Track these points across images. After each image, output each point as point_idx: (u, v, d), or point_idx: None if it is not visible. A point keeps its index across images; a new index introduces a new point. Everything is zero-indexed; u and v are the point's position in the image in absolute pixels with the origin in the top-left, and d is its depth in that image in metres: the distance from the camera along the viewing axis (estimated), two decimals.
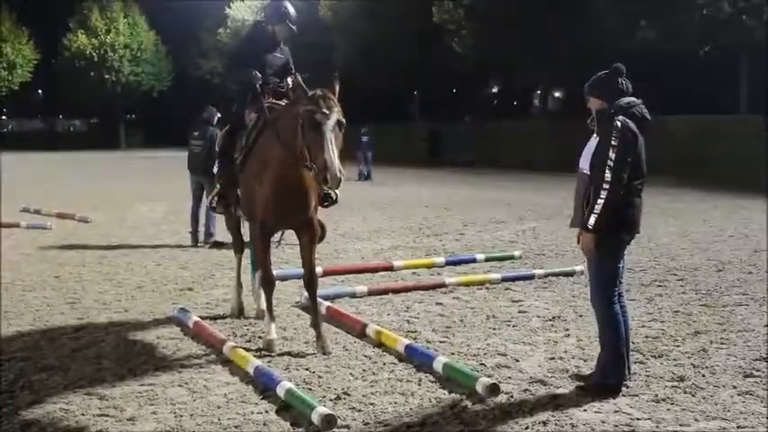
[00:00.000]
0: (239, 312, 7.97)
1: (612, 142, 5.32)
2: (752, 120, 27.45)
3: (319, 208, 7.16)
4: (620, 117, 5.40)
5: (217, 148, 8.06)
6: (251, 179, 6.92)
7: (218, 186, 7.61)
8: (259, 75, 7.35)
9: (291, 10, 7.58)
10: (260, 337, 7.07)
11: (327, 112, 6.02)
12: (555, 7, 31.33)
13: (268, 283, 7.04)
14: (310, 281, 6.97)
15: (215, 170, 8.09)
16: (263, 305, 7.23)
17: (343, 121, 6.15)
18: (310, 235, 6.98)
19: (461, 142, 41.61)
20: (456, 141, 42.39)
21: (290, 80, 7.50)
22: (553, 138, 32.97)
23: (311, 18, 46.96)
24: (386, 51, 42.32)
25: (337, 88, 6.29)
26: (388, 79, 44.82)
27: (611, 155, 5.30)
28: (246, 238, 8.25)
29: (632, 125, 5.41)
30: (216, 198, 7.75)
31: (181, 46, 68.20)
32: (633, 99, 5.56)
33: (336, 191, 6.91)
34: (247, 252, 8.44)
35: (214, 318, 7.90)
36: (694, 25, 27.77)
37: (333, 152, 5.90)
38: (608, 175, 5.30)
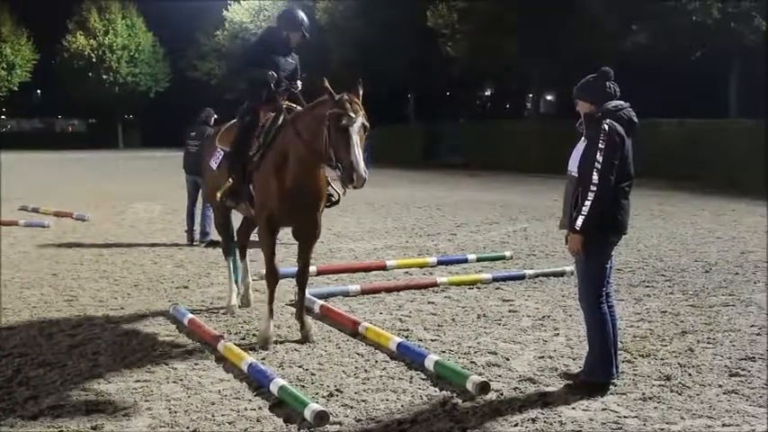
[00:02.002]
0: (232, 311, 8.11)
1: (600, 145, 5.39)
2: (741, 123, 27.55)
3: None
4: (608, 120, 5.48)
5: (218, 144, 8.11)
6: (267, 176, 7.03)
7: (230, 181, 7.65)
8: (275, 75, 7.59)
9: (305, 19, 7.89)
10: (254, 335, 7.19)
11: (354, 116, 6.26)
12: (547, 11, 31.38)
13: (272, 278, 7.19)
14: (302, 276, 7.29)
15: (212, 165, 8.15)
16: (250, 295, 7.63)
17: (368, 124, 6.38)
18: (312, 234, 7.25)
19: (455, 144, 41.65)
20: (450, 143, 42.43)
21: (299, 83, 7.88)
22: (545, 140, 32.99)
23: (308, 20, 46.88)
24: (380, 53, 42.35)
25: (361, 92, 6.52)
26: (383, 81, 44.83)
27: (599, 157, 5.38)
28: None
29: (619, 128, 5.49)
30: (228, 193, 7.74)
31: (179, 48, 68.10)
32: (621, 102, 5.63)
33: (339, 192, 7.11)
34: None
35: (209, 315, 7.98)
36: (685, 30, 27.87)
37: (359, 153, 6.17)
38: (595, 177, 5.38)
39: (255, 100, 7.81)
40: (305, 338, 7.00)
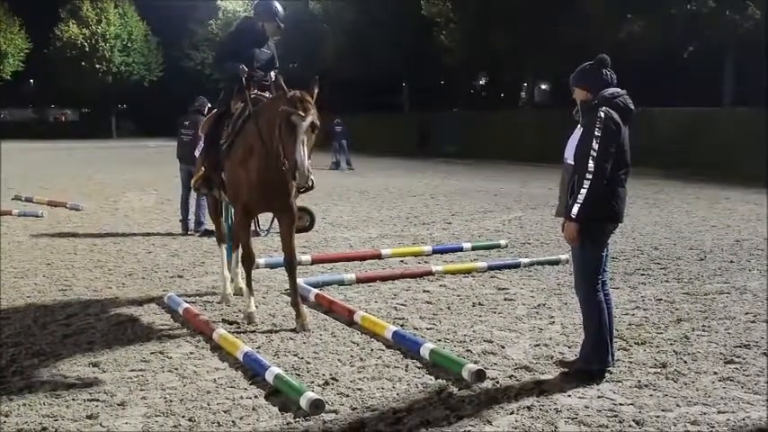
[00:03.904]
0: (227, 300, 8.15)
1: (596, 133, 5.37)
2: (736, 112, 27.63)
3: (304, 195, 7.44)
4: (604, 108, 5.45)
5: (201, 133, 8.34)
6: (235, 164, 7.29)
7: (203, 169, 7.95)
8: (245, 68, 7.70)
9: (280, 8, 7.99)
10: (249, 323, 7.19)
11: (303, 115, 6.41)
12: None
13: (248, 260, 7.44)
14: (290, 262, 7.33)
15: (197, 153, 8.37)
16: (241, 283, 7.78)
17: (317, 123, 6.55)
18: (289, 219, 7.36)
19: (449, 133, 41.66)
20: (444, 132, 42.44)
21: (272, 73, 7.92)
22: (540, 129, 33.05)
23: (301, 8, 46.99)
24: (374, 43, 42.34)
25: (316, 91, 6.67)
26: (377, 70, 44.85)
27: (595, 145, 5.36)
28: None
29: (616, 116, 5.46)
30: (201, 180, 8.09)
31: (172, 37, 68.00)
32: (617, 90, 5.60)
33: (312, 178, 7.05)
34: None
35: (204, 305, 7.97)
36: (680, 19, 27.89)
37: (303, 153, 6.34)
38: (591, 165, 5.36)
39: (229, 91, 8.01)
40: (300, 327, 7.00)
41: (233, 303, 8.01)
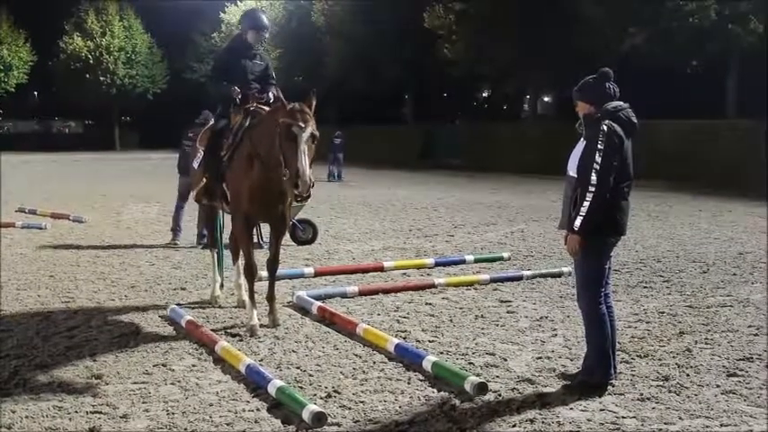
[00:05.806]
0: (215, 300, 8.56)
1: (599, 146, 5.39)
2: (739, 124, 27.65)
3: (307, 207, 7.60)
4: (607, 121, 5.47)
5: (199, 145, 8.51)
6: (236, 176, 7.53)
7: (204, 180, 8.17)
8: (238, 89, 8.00)
9: (263, 18, 8.43)
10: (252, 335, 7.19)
11: (303, 126, 6.65)
12: (544, 13, 31.43)
13: (250, 272, 7.61)
14: (273, 265, 7.72)
15: (195, 165, 8.53)
16: (245, 296, 7.92)
17: (317, 133, 6.80)
18: (282, 227, 7.79)
19: (453, 145, 41.73)
20: (447, 144, 42.53)
21: (271, 94, 8.15)
22: (543, 141, 33.05)
23: (304, 22, 47.12)
24: (378, 55, 42.43)
25: (314, 103, 6.92)
26: (380, 82, 44.93)
27: (598, 158, 5.38)
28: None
29: (619, 129, 5.48)
30: (202, 191, 8.32)
31: (176, 49, 68.19)
32: (620, 103, 5.63)
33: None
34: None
35: (207, 317, 7.97)
36: (682, 33, 27.94)
37: (305, 162, 6.56)
38: (594, 178, 5.37)
39: (227, 104, 8.26)
40: (271, 323, 7.46)
41: (235, 315, 8.01)
